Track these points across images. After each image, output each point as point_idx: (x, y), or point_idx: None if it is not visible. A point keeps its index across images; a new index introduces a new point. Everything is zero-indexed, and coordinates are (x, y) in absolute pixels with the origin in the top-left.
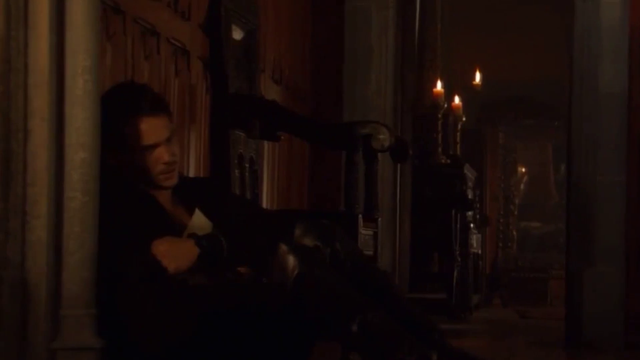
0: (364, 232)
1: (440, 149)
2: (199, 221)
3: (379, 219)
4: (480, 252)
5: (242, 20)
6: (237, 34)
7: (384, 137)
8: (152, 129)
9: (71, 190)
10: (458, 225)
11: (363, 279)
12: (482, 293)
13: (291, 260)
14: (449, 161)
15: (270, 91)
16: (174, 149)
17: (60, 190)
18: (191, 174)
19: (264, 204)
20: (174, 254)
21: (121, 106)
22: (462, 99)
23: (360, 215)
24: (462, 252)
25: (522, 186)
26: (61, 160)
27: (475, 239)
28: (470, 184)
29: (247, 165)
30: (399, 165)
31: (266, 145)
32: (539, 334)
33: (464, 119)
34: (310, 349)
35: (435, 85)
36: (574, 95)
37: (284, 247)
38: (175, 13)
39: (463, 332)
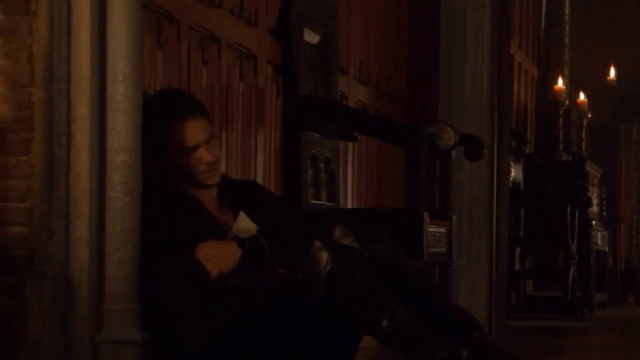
0: (433, 229)
1: (561, 146)
2: (244, 224)
3: (454, 217)
4: (607, 249)
5: (316, 24)
6: (312, 38)
7: (448, 136)
8: (192, 131)
9: (113, 191)
10: (576, 222)
11: (400, 280)
12: (614, 291)
13: (324, 256)
14: (570, 158)
15: (357, 92)
16: (214, 149)
17: (102, 191)
18: (259, 176)
19: (348, 203)
20: (217, 258)
21: (161, 111)
22: (594, 96)
23: (425, 213)
24: (581, 249)
25: None
26: (103, 163)
27: (600, 236)
28: (595, 180)
29: (322, 165)
30: (495, 163)
31: (351, 145)
32: None
33: (589, 115)
34: (352, 345)
35: (557, 82)
36: None
37: (317, 244)
38: (239, 19)
39: (575, 329)
